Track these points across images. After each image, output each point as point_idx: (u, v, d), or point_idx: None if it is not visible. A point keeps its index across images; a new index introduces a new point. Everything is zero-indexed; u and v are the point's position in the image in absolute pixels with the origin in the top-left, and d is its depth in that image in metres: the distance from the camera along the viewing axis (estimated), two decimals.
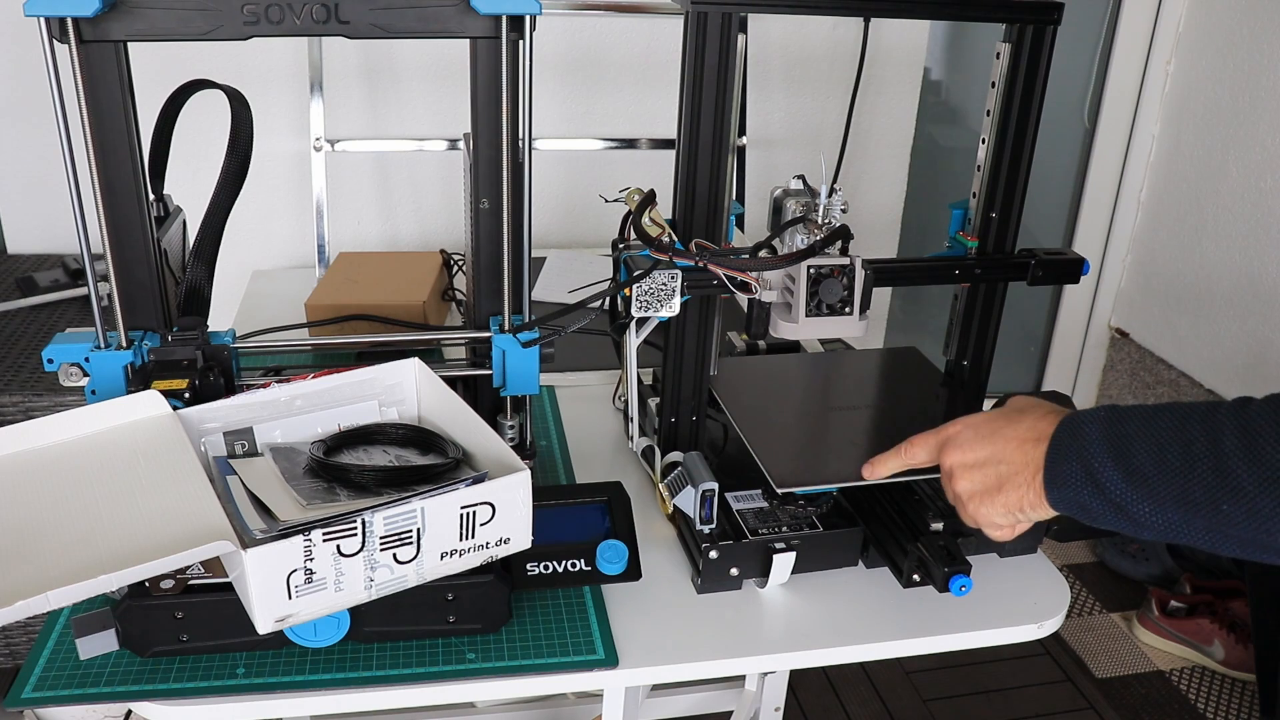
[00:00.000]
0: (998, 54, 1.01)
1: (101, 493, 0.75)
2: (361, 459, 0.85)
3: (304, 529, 0.69)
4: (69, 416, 0.83)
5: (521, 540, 0.79)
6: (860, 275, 0.92)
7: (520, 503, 0.77)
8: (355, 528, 0.71)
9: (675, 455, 1.03)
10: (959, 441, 0.79)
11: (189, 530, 0.70)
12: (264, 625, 0.70)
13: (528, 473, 0.76)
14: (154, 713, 0.79)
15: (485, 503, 0.75)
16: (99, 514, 0.73)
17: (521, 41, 0.86)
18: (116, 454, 0.80)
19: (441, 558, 0.75)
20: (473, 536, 0.76)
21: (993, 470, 0.75)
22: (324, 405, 0.89)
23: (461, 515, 0.74)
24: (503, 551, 0.78)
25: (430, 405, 0.92)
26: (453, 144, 1.86)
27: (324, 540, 0.70)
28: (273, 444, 0.87)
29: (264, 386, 0.88)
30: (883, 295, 2.39)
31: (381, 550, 0.72)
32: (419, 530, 0.73)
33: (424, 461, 0.84)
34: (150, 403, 0.84)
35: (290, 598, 0.70)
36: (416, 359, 0.92)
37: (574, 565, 0.88)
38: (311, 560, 0.70)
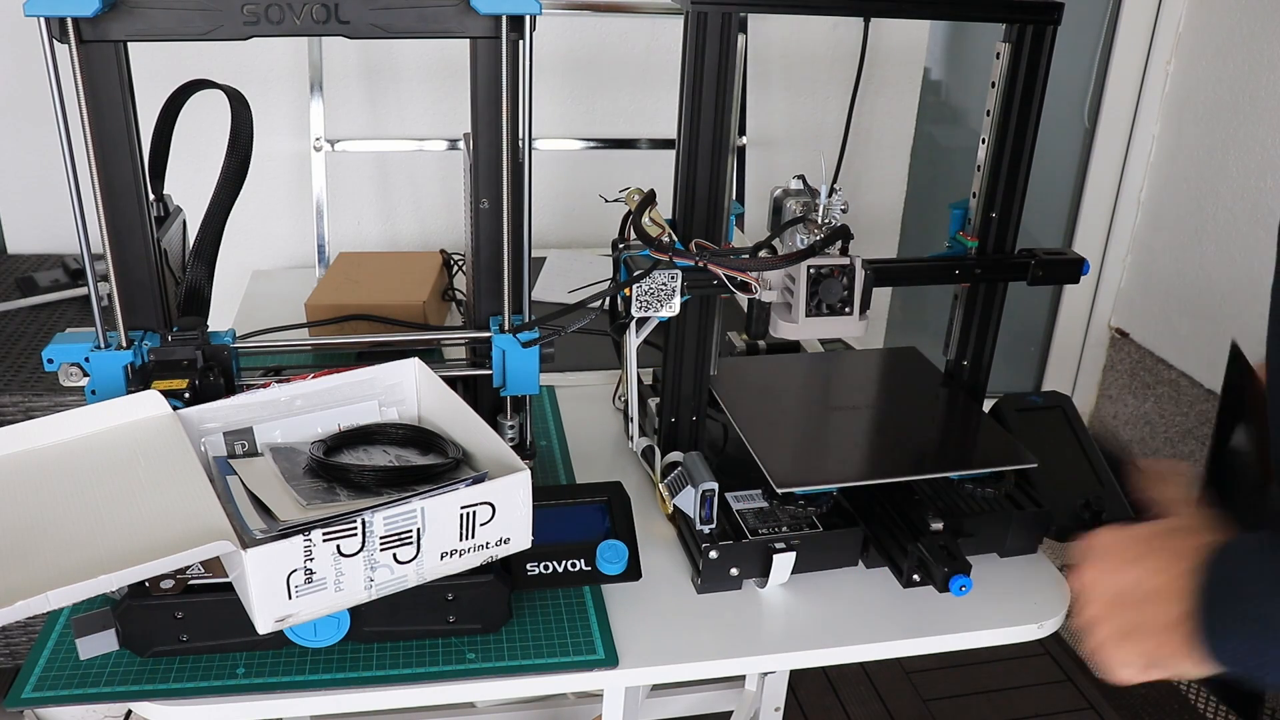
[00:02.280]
0: (998, 54, 1.01)
1: (101, 493, 0.75)
2: (361, 459, 0.85)
3: (304, 529, 0.69)
4: (69, 416, 0.83)
5: (521, 540, 0.79)
6: (860, 275, 0.92)
7: (520, 503, 0.77)
8: (355, 528, 0.71)
9: (675, 455, 1.03)
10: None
11: (189, 530, 0.70)
12: (264, 625, 0.70)
13: (528, 473, 0.76)
14: (154, 713, 0.79)
15: (485, 503, 0.75)
16: (99, 514, 0.73)
17: (521, 41, 0.86)
18: (116, 454, 0.80)
19: (441, 558, 0.75)
20: (473, 536, 0.76)
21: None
22: (324, 405, 0.89)
23: (461, 515, 0.74)
24: (503, 551, 0.78)
25: (430, 405, 0.92)
26: (453, 144, 1.86)
27: (324, 540, 0.70)
28: (273, 444, 0.87)
29: (264, 386, 0.88)
30: (883, 295, 2.39)
31: (382, 550, 0.72)
32: (419, 530, 0.73)
33: (424, 461, 0.84)
34: (150, 403, 0.84)
35: (290, 598, 0.70)
36: (416, 359, 0.92)
37: (574, 565, 0.88)
38: (311, 560, 0.70)
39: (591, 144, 1.93)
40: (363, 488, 0.81)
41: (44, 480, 0.78)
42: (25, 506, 0.75)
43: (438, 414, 0.91)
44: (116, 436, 0.82)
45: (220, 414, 0.86)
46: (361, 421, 0.90)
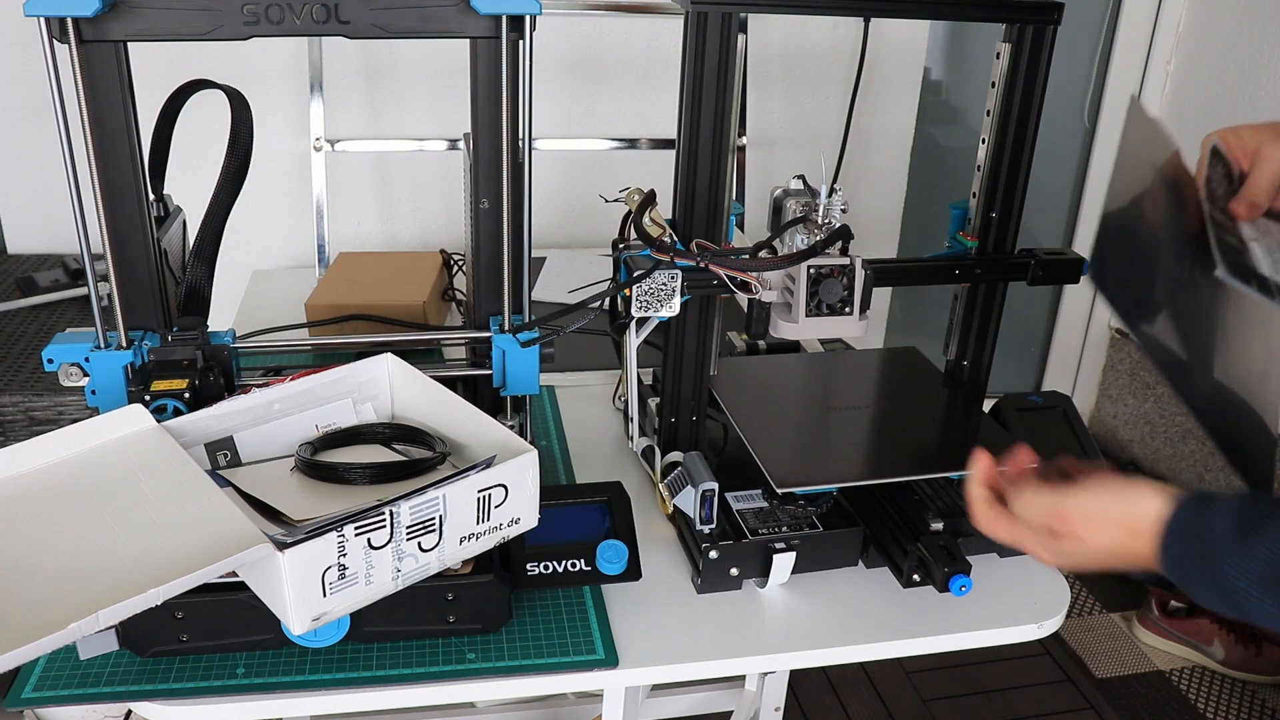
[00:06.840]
0: (998, 54, 1.01)
1: (108, 511, 0.74)
2: (350, 459, 0.85)
3: (336, 525, 0.69)
4: (52, 438, 0.80)
5: (530, 519, 0.80)
6: (860, 275, 0.92)
7: (530, 482, 0.79)
8: (384, 519, 0.71)
9: (675, 455, 1.03)
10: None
11: (220, 538, 0.69)
12: (300, 626, 0.70)
13: (535, 453, 0.78)
14: (154, 713, 0.79)
15: (500, 485, 0.76)
16: (112, 532, 0.72)
17: (521, 41, 0.86)
18: (112, 472, 0.78)
19: (460, 542, 0.76)
20: (488, 519, 0.77)
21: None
22: (302, 407, 0.89)
23: (478, 499, 0.76)
24: (514, 531, 0.80)
25: (406, 400, 0.92)
26: (453, 144, 1.86)
27: (355, 535, 0.70)
28: (261, 455, 0.87)
29: (263, 387, 0.88)
30: (883, 295, 2.39)
31: (408, 540, 0.73)
32: (441, 517, 0.74)
33: (418, 455, 0.85)
34: (134, 417, 0.82)
35: (325, 595, 0.70)
36: (390, 354, 0.92)
37: (574, 565, 0.88)
38: (344, 555, 0.70)
39: (591, 144, 1.93)
40: (351, 485, 0.81)
41: (41, 504, 0.76)
42: (27, 531, 0.73)
43: (417, 409, 0.91)
44: (106, 454, 0.80)
45: (201, 424, 0.85)
46: (338, 422, 0.90)
